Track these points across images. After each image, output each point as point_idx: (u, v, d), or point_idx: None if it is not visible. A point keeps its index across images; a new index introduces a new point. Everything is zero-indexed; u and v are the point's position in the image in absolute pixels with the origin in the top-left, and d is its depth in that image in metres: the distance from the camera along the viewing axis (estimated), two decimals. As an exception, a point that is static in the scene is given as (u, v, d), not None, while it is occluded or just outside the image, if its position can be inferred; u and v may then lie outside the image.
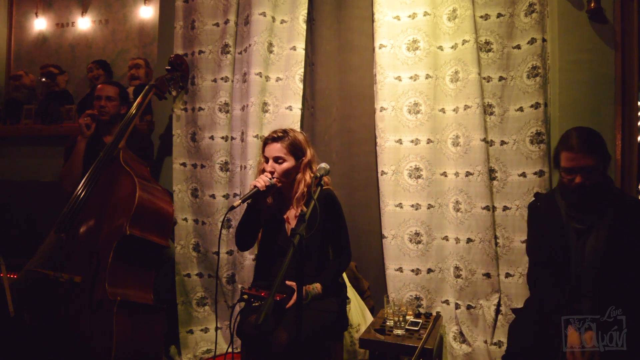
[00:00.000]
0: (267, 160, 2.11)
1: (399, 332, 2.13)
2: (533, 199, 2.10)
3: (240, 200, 1.95)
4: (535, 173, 2.39)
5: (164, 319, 2.41)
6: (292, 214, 2.16)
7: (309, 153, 2.14)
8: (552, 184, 2.38)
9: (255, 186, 1.99)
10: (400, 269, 2.58)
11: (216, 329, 2.35)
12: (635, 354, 1.61)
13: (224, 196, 2.88)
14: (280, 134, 2.10)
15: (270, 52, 2.80)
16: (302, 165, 2.12)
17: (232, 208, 2.00)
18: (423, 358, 1.99)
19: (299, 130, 2.63)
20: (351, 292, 2.57)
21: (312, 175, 2.11)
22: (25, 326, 2.18)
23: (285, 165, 2.08)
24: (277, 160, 2.08)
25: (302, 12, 2.76)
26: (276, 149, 2.08)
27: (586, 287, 1.80)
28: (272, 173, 2.06)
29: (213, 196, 2.89)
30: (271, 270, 2.14)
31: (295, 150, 2.10)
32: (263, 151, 2.15)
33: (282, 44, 2.82)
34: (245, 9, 2.82)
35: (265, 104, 2.80)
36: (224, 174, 2.89)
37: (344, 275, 2.40)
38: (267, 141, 2.13)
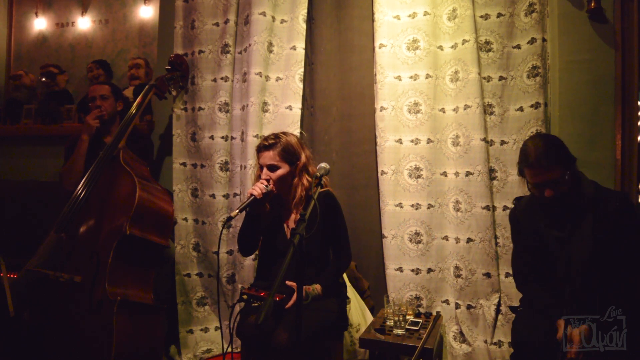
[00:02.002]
0: (262, 168, 2.10)
1: (399, 331, 2.13)
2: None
3: (237, 210, 1.94)
4: (535, 173, 2.38)
5: (164, 319, 2.41)
6: (291, 218, 2.16)
7: (304, 156, 2.13)
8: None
9: (251, 194, 1.98)
10: (400, 269, 2.58)
11: (221, 329, 2.35)
12: (635, 354, 1.61)
13: (224, 196, 2.88)
14: (271, 141, 2.08)
15: (270, 51, 2.79)
16: (297, 169, 2.10)
17: (230, 218, 1.99)
18: (423, 358, 1.99)
19: (293, 131, 2.63)
20: (351, 292, 2.57)
21: (309, 178, 2.11)
22: (25, 326, 2.18)
23: (280, 172, 2.07)
24: (270, 168, 2.07)
25: (302, 11, 2.75)
26: (269, 156, 2.07)
27: (575, 290, 1.79)
28: (267, 180, 2.05)
29: (213, 196, 2.89)
30: (272, 270, 2.14)
31: (289, 155, 2.09)
32: (257, 158, 2.14)
33: (282, 43, 2.82)
34: (245, 9, 2.82)
35: (265, 103, 2.80)
36: (224, 173, 2.89)
37: (344, 275, 2.40)
38: (259, 149, 2.12)
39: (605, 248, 1.75)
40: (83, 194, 2.35)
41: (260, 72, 2.74)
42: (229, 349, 2.01)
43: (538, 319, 1.82)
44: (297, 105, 2.76)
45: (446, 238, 2.56)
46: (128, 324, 2.11)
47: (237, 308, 2.20)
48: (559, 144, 1.80)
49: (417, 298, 2.56)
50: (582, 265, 1.78)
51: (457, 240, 2.51)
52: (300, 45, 2.76)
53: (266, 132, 2.67)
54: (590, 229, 1.78)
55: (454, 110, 2.55)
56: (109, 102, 2.77)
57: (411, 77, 2.60)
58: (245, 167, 2.74)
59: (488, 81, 2.51)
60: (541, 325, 1.78)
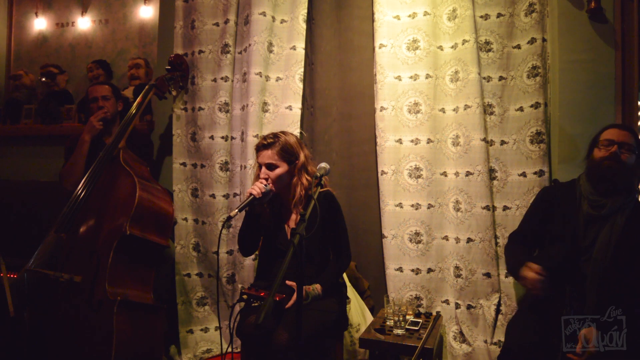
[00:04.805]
0: (260, 167, 2.10)
1: (399, 331, 2.13)
2: (526, 200, 2.13)
3: (237, 210, 1.94)
4: (535, 173, 2.39)
5: (164, 319, 2.41)
6: (292, 218, 2.16)
7: (302, 156, 2.13)
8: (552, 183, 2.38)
9: (251, 194, 1.99)
10: (400, 269, 2.58)
11: (220, 329, 2.34)
12: (635, 354, 1.61)
13: (224, 196, 2.88)
14: (270, 140, 2.09)
15: (270, 51, 2.80)
16: (296, 169, 2.11)
17: (229, 218, 2.00)
18: (423, 358, 1.99)
19: (293, 131, 2.63)
20: (351, 292, 2.57)
21: (308, 178, 2.11)
22: (25, 326, 2.18)
23: (278, 171, 2.07)
24: (269, 167, 2.07)
25: (302, 11, 2.75)
26: (267, 155, 2.07)
27: (592, 281, 1.79)
28: (266, 179, 2.06)
29: (213, 196, 2.89)
30: (271, 270, 2.14)
31: (287, 155, 2.09)
32: (257, 157, 2.14)
33: (282, 43, 2.82)
34: (245, 9, 2.82)
35: (265, 103, 2.80)
36: (224, 173, 2.89)
37: (344, 275, 2.40)
38: (258, 148, 2.12)
39: (631, 244, 1.79)
40: (83, 194, 2.35)
41: (260, 72, 2.74)
42: (229, 349, 2.01)
43: (532, 322, 1.82)
44: (297, 105, 2.76)
45: (446, 238, 2.56)
46: (128, 324, 2.11)
47: (237, 308, 2.20)
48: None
49: (417, 298, 2.56)
50: (603, 249, 1.81)
51: (457, 240, 2.51)
52: (300, 45, 2.76)
53: (266, 132, 2.67)
54: (624, 221, 1.82)
55: (454, 110, 2.55)
56: (111, 102, 2.77)
57: (411, 77, 2.60)
58: (245, 167, 2.74)
59: (488, 81, 2.51)
60: (535, 327, 1.78)
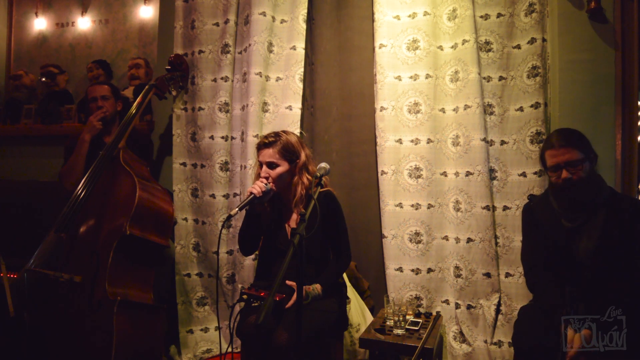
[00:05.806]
0: (261, 165, 2.10)
1: (399, 331, 2.13)
2: (527, 201, 2.11)
3: (237, 208, 1.94)
4: (535, 173, 2.39)
5: (164, 319, 2.40)
6: (293, 218, 2.16)
7: (303, 155, 2.13)
8: (552, 183, 2.38)
9: (251, 193, 1.99)
10: (400, 269, 2.58)
11: (220, 329, 2.34)
12: (635, 354, 1.61)
13: (224, 196, 2.88)
14: (271, 139, 2.09)
15: (270, 51, 2.80)
16: (296, 168, 2.11)
17: (229, 217, 1.99)
18: (423, 358, 1.99)
19: (294, 131, 2.63)
20: (351, 292, 2.57)
21: (309, 177, 2.11)
22: (25, 326, 2.18)
23: (279, 170, 2.07)
24: (270, 165, 2.07)
25: (302, 11, 2.76)
26: (268, 154, 2.08)
27: (581, 287, 1.80)
28: (267, 178, 2.06)
29: (213, 196, 2.89)
30: (271, 270, 2.14)
31: (288, 153, 2.09)
32: (257, 156, 2.14)
33: (282, 43, 2.82)
34: (245, 9, 2.82)
35: (265, 103, 2.80)
36: (224, 173, 2.89)
37: (344, 275, 2.40)
38: (259, 146, 2.12)
39: (612, 245, 1.78)
40: (83, 193, 2.35)
41: (260, 72, 2.74)
42: (229, 349, 2.01)
43: (540, 321, 1.82)
44: (297, 105, 2.76)
45: (446, 238, 2.56)
46: (128, 324, 2.10)
47: (237, 308, 2.20)
48: (581, 133, 1.90)
49: (417, 298, 2.56)
50: (587, 258, 1.80)
51: (457, 240, 2.51)
52: (300, 45, 2.76)
53: (266, 132, 2.67)
54: (601, 224, 1.81)
55: (454, 110, 2.55)
56: (110, 102, 2.78)
57: (411, 77, 2.60)
58: (245, 167, 2.74)
59: (488, 81, 2.52)
60: (543, 327, 1.77)
